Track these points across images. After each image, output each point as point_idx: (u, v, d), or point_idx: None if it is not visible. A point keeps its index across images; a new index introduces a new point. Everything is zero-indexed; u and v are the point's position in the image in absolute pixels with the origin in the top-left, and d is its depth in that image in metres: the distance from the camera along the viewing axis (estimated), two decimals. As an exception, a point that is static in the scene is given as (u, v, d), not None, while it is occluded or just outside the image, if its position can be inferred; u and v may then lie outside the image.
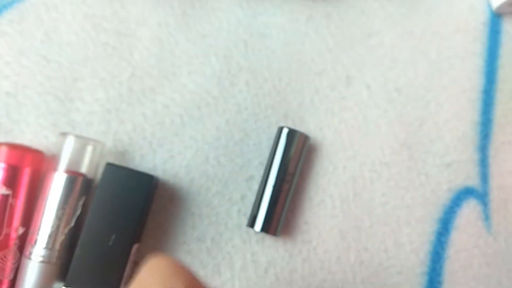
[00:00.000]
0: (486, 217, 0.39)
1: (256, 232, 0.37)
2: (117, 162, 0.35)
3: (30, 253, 0.32)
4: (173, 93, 0.38)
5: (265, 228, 0.36)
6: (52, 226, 0.32)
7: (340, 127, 0.39)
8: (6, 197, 0.33)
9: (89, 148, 0.34)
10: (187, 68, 0.39)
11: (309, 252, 0.38)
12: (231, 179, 0.38)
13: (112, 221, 0.33)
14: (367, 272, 0.38)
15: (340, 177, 0.39)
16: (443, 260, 0.38)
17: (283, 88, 0.39)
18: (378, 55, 0.40)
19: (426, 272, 0.38)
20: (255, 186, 0.38)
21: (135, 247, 0.34)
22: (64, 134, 0.34)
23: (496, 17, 0.41)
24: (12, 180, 0.33)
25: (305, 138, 0.37)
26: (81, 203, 0.34)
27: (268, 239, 0.37)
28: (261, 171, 0.38)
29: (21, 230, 0.33)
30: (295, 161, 0.36)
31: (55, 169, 0.34)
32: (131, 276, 0.35)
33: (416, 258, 0.38)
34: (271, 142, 0.38)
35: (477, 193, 0.39)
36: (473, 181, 0.39)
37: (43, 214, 0.33)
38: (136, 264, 0.36)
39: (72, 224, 0.33)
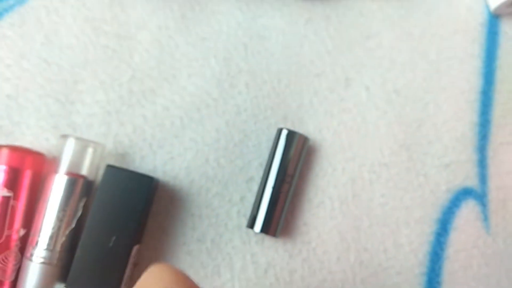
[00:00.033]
0: (485, 218, 0.39)
1: (256, 233, 0.38)
2: (117, 164, 0.36)
3: (31, 255, 0.33)
4: (173, 95, 0.38)
5: (265, 229, 0.36)
6: (53, 228, 0.33)
7: (339, 129, 0.39)
8: (7, 199, 0.33)
9: (90, 150, 0.34)
10: (187, 71, 0.39)
11: (309, 252, 0.38)
12: (231, 180, 0.38)
13: (112, 222, 0.33)
14: (366, 273, 0.38)
15: (339, 178, 0.39)
16: (442, 261, 0.38)
17: (283, 90, 0.39)
18: (376, 56, 0.40)
19: (425, 273, 0.38)
20: (255, 187, 0.38)
21: (135, 248, 0.34)
22: (64, 136, 0.34)
23: (494, 18, 0.42)
24: (13, 182, 0.33)
25: (304, 139, 0.37)
26: (81, 204, 0.34)
27: (268, 240, 0.38)
28: (260, 172, 0.38)
29: (22, 232, 0.34)
30: (295, 162, 0.37)
31: (56, 171, 0.34)
32: (131, 278, 0.35)
33: (415, 259, 0.38)
34: (270, 144, 0.38)
35: (475, 193, 0.39)
36: (472, 182, 0.40)
37: (44, 215, 0.33)
38: (136, 266, 0.36)
39: (73, 225, 0.33)
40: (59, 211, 0.33)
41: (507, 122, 0.40)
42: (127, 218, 0.33)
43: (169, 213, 0.37)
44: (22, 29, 0.38)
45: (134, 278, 0.36)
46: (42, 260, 0.32)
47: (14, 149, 0.34)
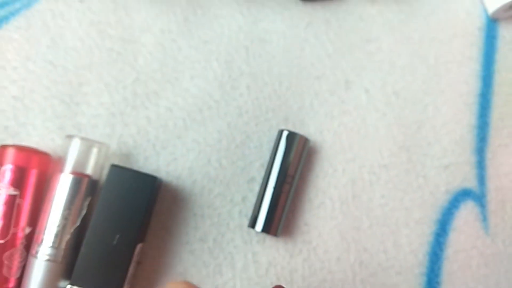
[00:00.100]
0: (484, 219, 0.39)
1: (257, 233, 0.38)
2: (121, 164, 0.36)
3: (37, 252, 0.33)
4: (176, 97, 0.39)
5: (266, 229, 0.36)
6: (58, 226, 0.33)
7: (339, 130, 0.40)
8: (13, 197, 0.34)
9: (94, 150, 0.35)
10: (190, 73, 0.39)
11: (309, 252, 0.38)
12: (233, 180, 0.38)
13: (116, 221, 0.33)
14: (366, 273, 0.38)
15: (340, 179, 0.39)
16: (441, 261, 0.39)
17: (283, 92, 0.40)
18: (376, 60, 0.41)
19: (425, 273, 0.38)
20: (256, 188, 0.38)
21: (139, 246, 0.35)
22: (70, 137, 0.35)
23: (492, 22, 0.42)
24: (19, 181, 0.34)
25: (305, 140, 0.37)
26: (86, 203, 0.34)
27: (269, 239, 0.38)
28: (262, 173, 0.39)
29: (28, 230, 0.34)
30: (295, 163, 0.37)
31: (61, 170, 0.34)
32: (134, 276, 0.35)
33: (414, 259, 0.39)
34: (271, 145, 0.39)
35: (474, 195, 0.40)
36: (471, 183, 0.40)
37: (49, 214, 0.33)
38: (140, 264, 0.36)
39: (78, 224, 0.34)
40: (64, 210, 0.33)
41: (505, 124, 0.41)
42: (130, 217, 0.34)
43: (172, 212, 0.38)
44: (28, 32, 0.39)
45: (137, 276, 0.36)
46: (47, 257, 0.33)
47: (20, 148, 0.35)
